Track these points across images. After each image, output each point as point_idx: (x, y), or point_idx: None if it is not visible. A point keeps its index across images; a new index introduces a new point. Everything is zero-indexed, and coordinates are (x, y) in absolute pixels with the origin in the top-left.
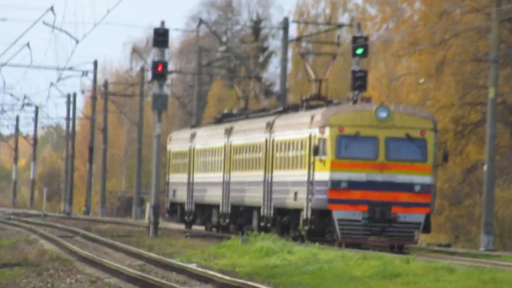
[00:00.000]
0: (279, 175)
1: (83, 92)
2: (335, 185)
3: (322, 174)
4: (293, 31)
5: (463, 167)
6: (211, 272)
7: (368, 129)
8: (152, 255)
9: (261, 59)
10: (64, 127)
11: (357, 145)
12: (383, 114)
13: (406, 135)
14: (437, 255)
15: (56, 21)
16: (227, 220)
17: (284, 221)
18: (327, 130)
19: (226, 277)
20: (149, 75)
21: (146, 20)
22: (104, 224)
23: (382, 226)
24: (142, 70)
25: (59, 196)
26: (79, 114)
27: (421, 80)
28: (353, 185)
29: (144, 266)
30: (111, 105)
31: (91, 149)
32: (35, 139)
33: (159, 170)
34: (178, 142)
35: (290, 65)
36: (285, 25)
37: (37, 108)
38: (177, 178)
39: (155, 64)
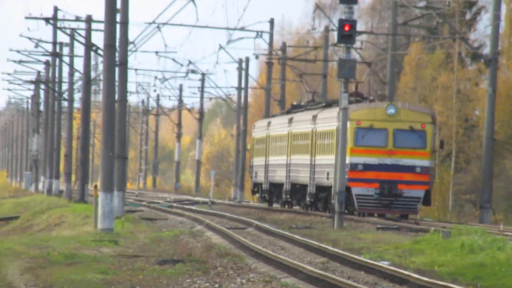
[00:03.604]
0: (319, 159)
1: (257, 56)
2: (353, 167)
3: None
4: None
5: None
6: (406, 272)
7: (379, 123)
8: (337, 250)
9: (468, 16)
10: (235, 98)
11: (371, 135)
12: (392, 111)
13: (410, 127)
14: None
15: None
16: (288, 196)
17: (323, 197)
18: (348, 123)
19: (424, 278)
20: (334, 36)
21: None
22: (281, 214)
23: (390, 200)
24: (327, 30)
25: (229, 180)
26: (252, 82)
27: None
28: (368, 167)
29: (327, 263)
30: (290, 72)
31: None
32: (201, 112)
33: (345, 149)
34: (259, 129)
35: (503, 24)
36: None
37: (203, 76)
38: (258, 161)
39: (341, 23)
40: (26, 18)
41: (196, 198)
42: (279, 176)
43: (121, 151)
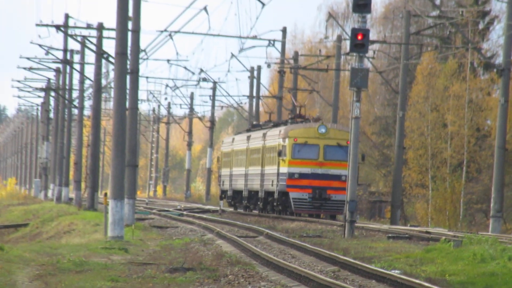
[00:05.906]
0: (267, 169)
1: (269, 65)
2: (291, 175)
3: (283, 169)
4: None
5: None
6: (417, 281)
7: (313, 140)
8: (348, 259)
9: (481, 25)
10: (246, 106)
11: (305, 150)
12: (323, 130)
13: (337, 143)
14: None
15: None
16: (246, 202)
17: (270, 200)
18: (287, 140)
19: (435, 287)
20: (347, 45)
21: None
22: (291, 222)
23: (321, 203)
24: (339, 39)
25: None
26: (264, 91)
27: None
28: (302, 176)
29: (338, 272)
30: (302, 81)
31: None
32: (212, 121)
33: (357, 158)
34: (226, 144)
35: None
36: None
37: (215, 84)
38: (225, 172)
39: (354, 33)
40: (37, 25)
41: (207, 207)
42: (240, 184)
43: (131, 159)
